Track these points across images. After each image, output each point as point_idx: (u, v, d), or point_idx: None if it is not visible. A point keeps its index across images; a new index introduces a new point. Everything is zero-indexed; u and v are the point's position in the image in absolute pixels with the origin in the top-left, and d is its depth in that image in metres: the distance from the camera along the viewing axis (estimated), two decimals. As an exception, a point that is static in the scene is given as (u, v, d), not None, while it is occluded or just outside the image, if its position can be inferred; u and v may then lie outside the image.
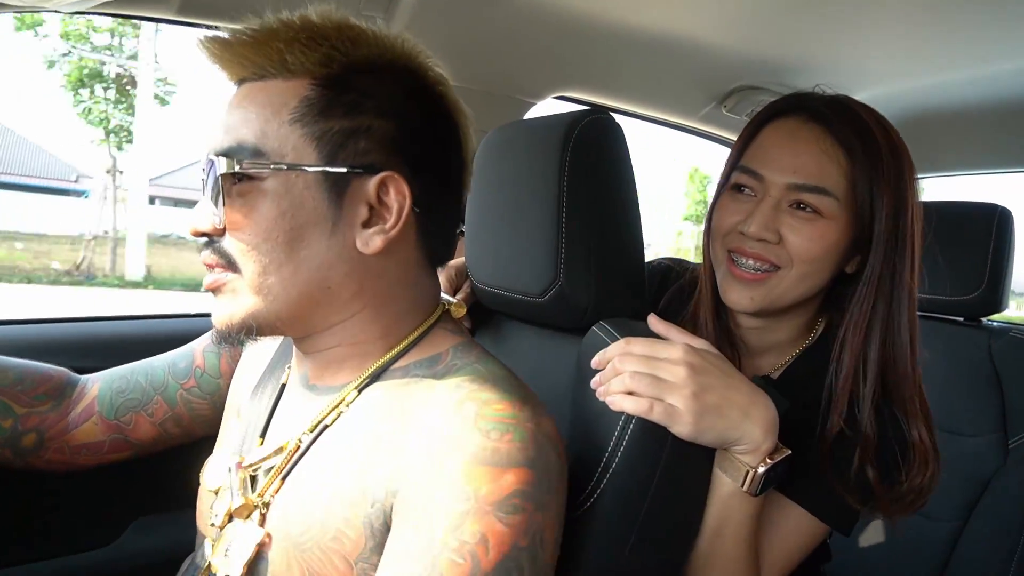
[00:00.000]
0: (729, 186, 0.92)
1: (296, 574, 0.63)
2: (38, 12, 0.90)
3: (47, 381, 0.90)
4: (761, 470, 0.71)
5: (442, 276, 1.01)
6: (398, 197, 0.66)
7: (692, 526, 0.75)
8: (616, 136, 0.85)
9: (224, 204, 0.64)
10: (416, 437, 0.61)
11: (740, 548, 0.76)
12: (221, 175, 0.63)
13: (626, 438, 0.70)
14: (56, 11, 0.91)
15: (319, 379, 0.73)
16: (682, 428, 0.69)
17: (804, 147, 0.86)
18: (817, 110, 0.87)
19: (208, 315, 0.72)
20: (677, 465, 0.71)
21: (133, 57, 11.15)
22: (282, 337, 0.85)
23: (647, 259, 0.92)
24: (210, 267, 0.67)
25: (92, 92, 10.88)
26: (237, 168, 0.63)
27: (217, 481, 0.77)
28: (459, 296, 1.01)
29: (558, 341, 0.92)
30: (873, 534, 1.47)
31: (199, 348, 0.94)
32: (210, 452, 0.98)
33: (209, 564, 0.69)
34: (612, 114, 0.86)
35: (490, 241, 0.88)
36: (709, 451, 0.73)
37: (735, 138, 0.97)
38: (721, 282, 0.92)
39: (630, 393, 0.70)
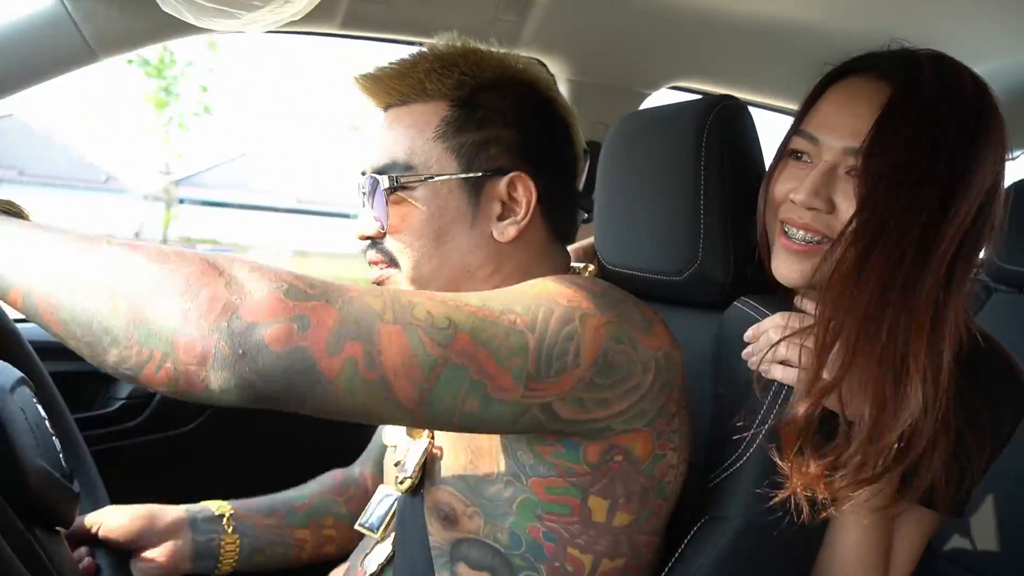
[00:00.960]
0: (787, 152, 0.85)
1: (464, 458, 0.74)
2: (228, 33, 1.02)
3: (333, 479, 1.10)
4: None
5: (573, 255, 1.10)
6: (526, 193, 0.79)
7: None
8: (747, 120, 0.89)
9: (387, 211, 0.77)
10: None
11: (868, 535, 0.78)
12: (385, 189, 0.77)
13: (777, 405, 0.75)
14: (240, 31, 1.03)
15: None
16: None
17: (865, 107, 0.77)
18: (884, 68, 0.80)
19: None
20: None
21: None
22: None
23: None
24: (375, 263, 0.81)
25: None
26: (397, 183, 0.77)
27: (392, 438, 0.89)
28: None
29: (694, 318, 0.98)
30: (984, 511, 1.47)
31: None
32: (360, 437, 1.12)
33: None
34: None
35: (622, 225, 0.93)
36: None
37: None
38: (772, 255, 0.86)
39: (782, 363, 0.75)
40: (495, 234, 0.79)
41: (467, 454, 0.73)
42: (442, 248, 0.78)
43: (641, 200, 0.92)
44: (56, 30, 0.96)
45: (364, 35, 1.14)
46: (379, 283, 0.81)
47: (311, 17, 1.01)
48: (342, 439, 1.43)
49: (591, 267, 0.90)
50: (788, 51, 1.42)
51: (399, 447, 0.84)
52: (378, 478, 1.06)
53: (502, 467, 0.70)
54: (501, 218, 0.79)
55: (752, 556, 0.75)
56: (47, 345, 1.20)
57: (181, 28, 0.99)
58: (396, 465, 0.83)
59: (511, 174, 0.78)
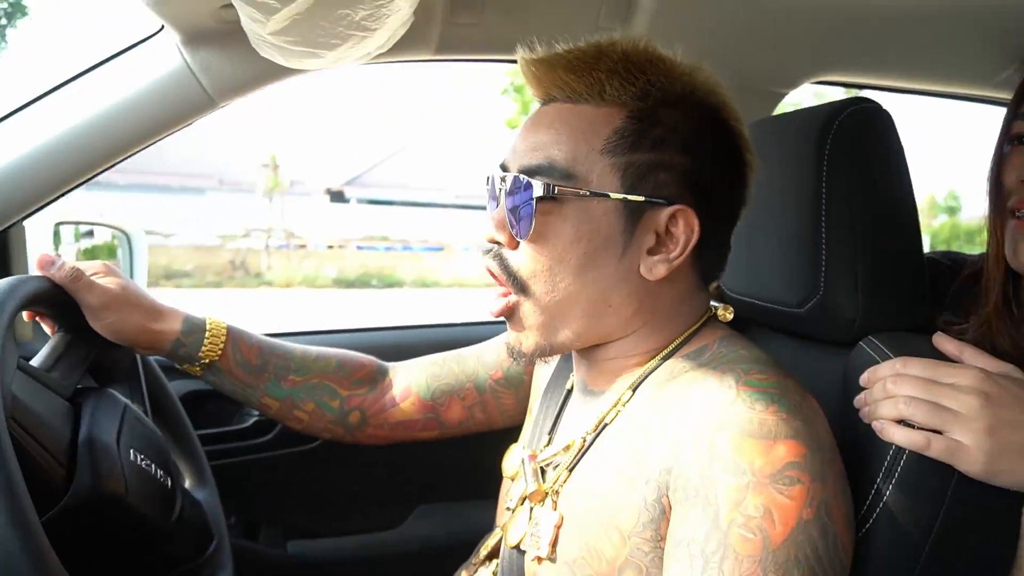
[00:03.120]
0: (1011, 138, 0.82)
1: (576, 548, 0.68)
2: (319, 70, 1.05)
3: (361, 368, 1.04)
4: None
5: None
6: (686, 230, 0.69)
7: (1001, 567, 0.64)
8: (885, 125, 0.76)
9: (532, 220, 0.68)
10: (683, 416, 0.63)
11: None
12: (537, 196, 0.67)
13: (897, 471, 0.63)
14: (328, 68, 1.06)
15: (597, 384, 0.78)
16: (971, 467, 0.60)
17: None
18: None
19: (497, 323, 0.79)
20: (967, 509, 0.62)
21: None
22: None
23: None
24: (493, 275, 0.73)
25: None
26: (554, 191, 0.67)
27: (513, 469, 0.86)
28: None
29: (821, 355, 0.85)
30: None
31: (504, 344, 1.03)
32: (476, 451, 1.09)
33: (516, 540, 0.75)
34: (877, 98, 0.77)
35: (741, 248, 0.85)
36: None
37: None
38: (1009, 246, 0.80)
39: (902, 422, 0.62)
40: (642, 270, 0.70)
41: (584, 548, 0.67)
42: (583, 276, 0.69)
43: (761, 220, 0.83)
44: (179, 84, 1.04)
45: (459, 58, 1.13)
46: (503, 314, 0.74)
47: (403, 47, 1.01)
48: (461, 465, 1.44)
49: (729, 310, 0.79)
50: (965, 30, 1.20)
51: (514, 492, 0.81)
52: (418, 399, 1.02)
53: (624, 575, 0.64)
54: (652, 252, 0.70)
55: None
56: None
57: (284, 70, 1.05)
58: (508, 508, 0.81)
59: (675, 206, 0.68)
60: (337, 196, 20.36)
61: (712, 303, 0.78)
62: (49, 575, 0.55)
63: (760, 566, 0.55)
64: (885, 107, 0.76)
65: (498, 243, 0.73)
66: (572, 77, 0.69)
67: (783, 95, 1.30)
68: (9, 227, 1.11)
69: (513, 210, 0.69)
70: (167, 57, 1.03)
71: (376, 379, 1.04)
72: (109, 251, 1.74)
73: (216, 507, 1.03)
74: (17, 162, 1.05)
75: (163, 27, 1.01)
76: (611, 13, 1.09)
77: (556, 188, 0.67)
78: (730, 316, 0.78)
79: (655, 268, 0.69)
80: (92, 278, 0.88)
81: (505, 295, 0.73)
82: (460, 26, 1.07)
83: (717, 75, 0.71)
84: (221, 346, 0.95)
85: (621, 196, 0.67)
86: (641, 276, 0.70)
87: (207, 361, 0.95)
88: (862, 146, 0.75)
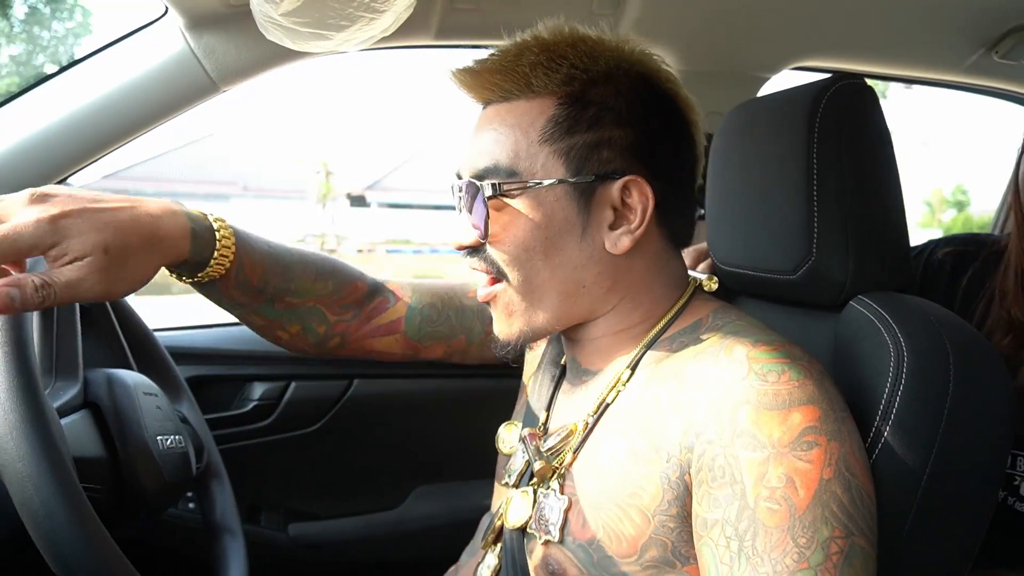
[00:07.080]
0: None
1: (591, 529, 0.68)
2: (328, 54, 1.07)
3: (354, 291, 0.97)
4: None
5: (687, 258, 1.04)
6: (641, 199, 0.71)
7: (984, 508, 0.69)
8: (869, 101, 0.81)
9: (487, 220, 0.71)
10: (696, 391, 0.65)
11: None
12: (487, 197, 0.70)
13: (892, 413, 0.67)
14: (342, 52, 1.08)
15: (591, 364, 0.78)
16: None
17: None
18: None
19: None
20: (956, 447, 0.66)
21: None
22: None
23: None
24: (478, 271, 0.76)
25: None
26: (500, 191, 0.70)
27: (509, 446, 0.87)
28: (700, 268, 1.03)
29: (810, 320, 0.90)
30: None
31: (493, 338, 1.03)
32: (473, 431, 1.11)
33: (518, 523, 0.76)
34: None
35: (734, 221, 0.89)
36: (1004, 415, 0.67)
37: (1011, 87, 0.88)
38: None
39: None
40: (607, 245, 0.72)
41: (600, 530, 0.68)
42: (551, 261, 0.71)
43: (752, 194, 0.86)
44: (182, 68, 1.05)
45: (459, 44, 1.16)
46: (488, 302, 0.76)
47: (404, 31, 1.04)
48: (458, 445, 1.47)
49: (714, 280, 0.81)
50: (934, 15, 1.26)
51: (512, 469, 0.82)
52: (404, 337, 0.99)
53: (648, 554, 0.65)
54: (613, 227, 0.72)
55: None
56: (184, 351, 1.33)
57: (287, 55, 1.07)
58: (505, 484, 0.81)
59: (625, 178, 0.71)
60: (358, 200, 20.13)
61: (694, 274, 0.81)
62: None
63: (789, 534, 0.57)
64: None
65: (468, 247, 0.75)
66: (500, 77, 0.71)
67: (765, 79, 1.36)
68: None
69: (472, 213, 0.72)
70: (170, 41, 1.04)
71: (363, 302, 0.98)
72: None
73: (198, 417, 1.02)
74: (19, 146, 1.05)
75: (167, 11, 1.03)
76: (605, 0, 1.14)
77: (502, 186, 0.70)
78: (715, 286, 0.80)
79: (619, 241, 0.71)
80: (61, 268, 0.65)
81: (490, 284, 0.75)
82: (459, 11, 1.10)
83: (645, 44, 0.74)
84: (226, 266, 0.82)
85: (568, 180, 0.70)
86: (608, 253, 0.72)
87: (206, 280, 0.82)
88: (849, 120, 0.79)
